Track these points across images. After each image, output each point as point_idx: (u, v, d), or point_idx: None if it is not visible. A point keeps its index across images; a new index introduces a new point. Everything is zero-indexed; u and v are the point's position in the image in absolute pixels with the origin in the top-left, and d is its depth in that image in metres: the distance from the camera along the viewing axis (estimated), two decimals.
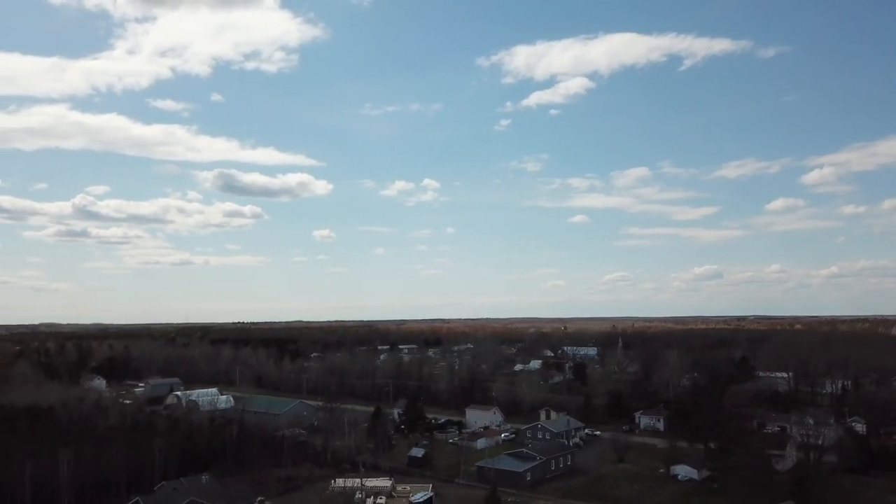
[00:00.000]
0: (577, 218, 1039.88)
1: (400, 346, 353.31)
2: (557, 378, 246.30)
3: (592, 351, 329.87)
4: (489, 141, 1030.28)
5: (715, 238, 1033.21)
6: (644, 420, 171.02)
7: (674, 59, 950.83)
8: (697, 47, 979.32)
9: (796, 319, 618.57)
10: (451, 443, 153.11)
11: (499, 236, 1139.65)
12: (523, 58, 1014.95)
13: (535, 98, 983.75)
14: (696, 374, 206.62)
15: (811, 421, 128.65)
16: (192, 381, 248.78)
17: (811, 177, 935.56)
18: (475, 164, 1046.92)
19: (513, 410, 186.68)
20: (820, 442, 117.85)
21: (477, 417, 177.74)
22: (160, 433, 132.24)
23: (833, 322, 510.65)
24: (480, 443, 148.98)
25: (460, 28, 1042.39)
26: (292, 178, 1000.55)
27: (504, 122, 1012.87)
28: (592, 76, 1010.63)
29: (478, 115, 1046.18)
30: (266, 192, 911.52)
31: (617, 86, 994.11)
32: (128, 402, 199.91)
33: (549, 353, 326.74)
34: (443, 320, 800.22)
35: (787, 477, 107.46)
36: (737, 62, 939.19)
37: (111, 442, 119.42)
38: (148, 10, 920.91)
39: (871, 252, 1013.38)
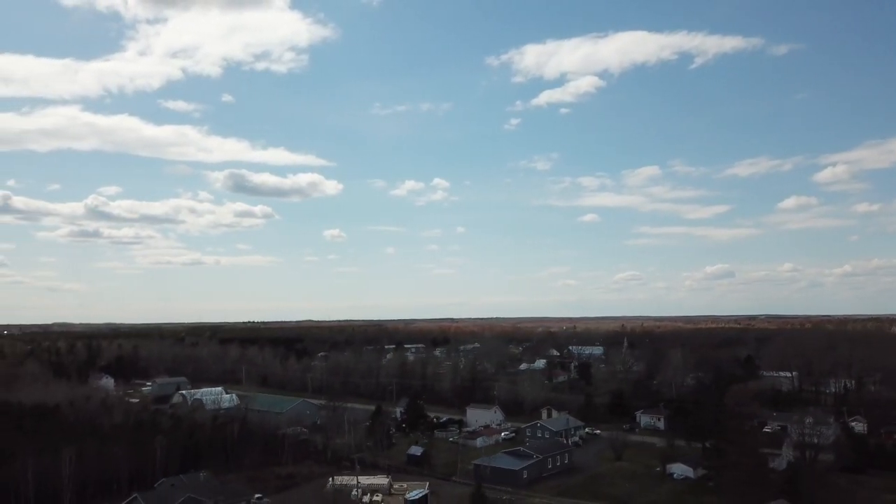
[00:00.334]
0: (588, 217, 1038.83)
1: (406, 346, 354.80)
2: (562, 377, 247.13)
3: (598, 350, 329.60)
4: (499, 140, 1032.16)
5: (727, 237, 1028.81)
6: (644, 419, 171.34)
7: (685, 57, 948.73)
8: (708, 45, 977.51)
9: (808, 319, 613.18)
10: (450, 441, 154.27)
11: (509, 235, 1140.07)
12: (533, 57, 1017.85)
13: (546, 97, 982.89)
14: (700, 374, 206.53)
15: (810, 420, 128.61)
16: (199, 381, 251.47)
17: (824, 175, 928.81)
18: (485, 163, 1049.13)
19: (515, 410, 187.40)
20: (816, 441, 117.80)
21: (477, 416, 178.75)
22: (163, 431, 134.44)
23: (845, 321, 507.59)
24: (479, 441, 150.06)
25: (470, 27, 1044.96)
26: (302, 178, 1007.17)
27: (514, 122, 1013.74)
28: (603, 75, 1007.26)
29: (488, 115, 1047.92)
30: (277, 193, 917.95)
31: (627, 84, 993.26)
32: (134, 400, 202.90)
33: (555, 353, 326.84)
34: (452, 319, 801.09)
35: (781, 475, 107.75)
36: (748, 60, 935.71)
37: (115, 440, 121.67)
38: (159, 12, 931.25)
39: (885, 250, 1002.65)
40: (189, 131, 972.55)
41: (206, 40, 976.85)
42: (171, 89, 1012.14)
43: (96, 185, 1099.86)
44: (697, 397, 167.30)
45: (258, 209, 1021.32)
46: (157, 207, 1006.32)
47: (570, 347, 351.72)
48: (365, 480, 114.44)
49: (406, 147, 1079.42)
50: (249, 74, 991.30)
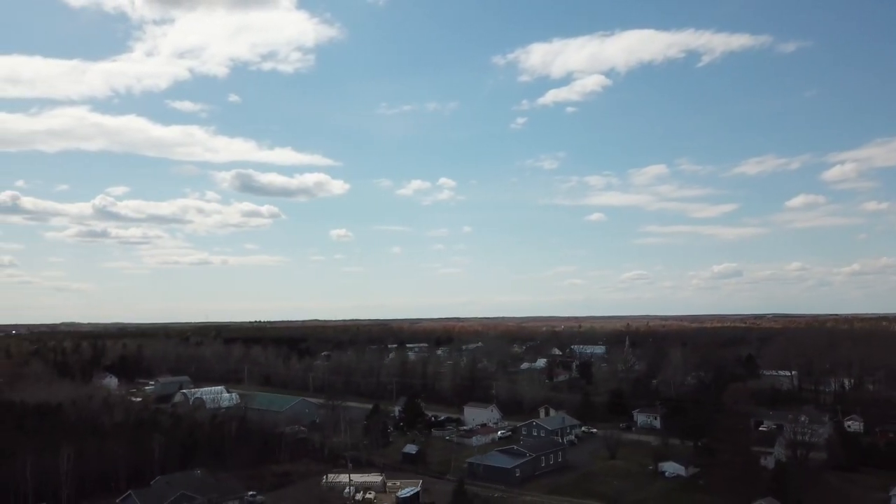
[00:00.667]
0: (595, 216, 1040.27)
1: (408, 345, 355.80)
2: (562, 376, 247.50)
3: (600, 349, 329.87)
4: (505, 139, 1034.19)
5: (734, 236, 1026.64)
6: (641, 418, 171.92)
7: (692, 56, 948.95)
8: (716, 43, 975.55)
9: (815, 318, 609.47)
10: (446, 440, 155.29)
11: (515, 235, 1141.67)
12: (539, 56, 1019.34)
13: (552, 96, 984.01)
14: (701, 373, 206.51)
15: (804, 419, 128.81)
16: (202, 380, 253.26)
17: (832, 173, 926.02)
18: (491, 162, 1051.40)
19: (514, 408, 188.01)
20: (807, 439, 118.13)
21: (475, 415, 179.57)
22: (162, 430, 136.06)
23: (853, 320, 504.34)
24: (475, 440, 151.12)
25: (476, 27, 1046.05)
26: (309, 178, 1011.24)
27: (520, 121, 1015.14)
28: (609, 73, 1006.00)
29: (494, 114, 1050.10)
30: (283, 192, 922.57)
31: (634, 83, 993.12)
32: (137, 399, 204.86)
33: (558, 352, 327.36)
34: (458, 319, 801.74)
35: (770, 473, 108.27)
36: (756, 57, 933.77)
37: (114, 438, 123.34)
38: (166, 12, 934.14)
39: (893, 249, 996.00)
40: (196, 131, 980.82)
41: (213, 41, 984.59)
42: (178, 90, 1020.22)
43: (104, 186, 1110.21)
44: (696, 396, 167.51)
45: (265, 209, 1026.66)
46: (165, 207, 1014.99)
47: (573, 347, 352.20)
48: (358, 478, 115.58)
49: (412, 147, 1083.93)
50: (256, 74, 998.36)
